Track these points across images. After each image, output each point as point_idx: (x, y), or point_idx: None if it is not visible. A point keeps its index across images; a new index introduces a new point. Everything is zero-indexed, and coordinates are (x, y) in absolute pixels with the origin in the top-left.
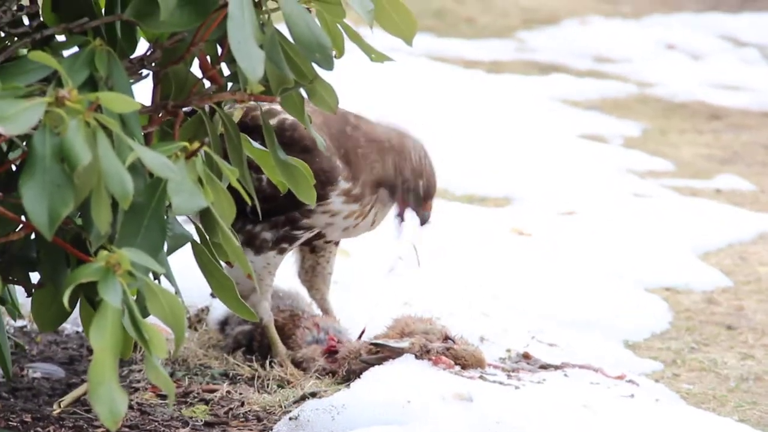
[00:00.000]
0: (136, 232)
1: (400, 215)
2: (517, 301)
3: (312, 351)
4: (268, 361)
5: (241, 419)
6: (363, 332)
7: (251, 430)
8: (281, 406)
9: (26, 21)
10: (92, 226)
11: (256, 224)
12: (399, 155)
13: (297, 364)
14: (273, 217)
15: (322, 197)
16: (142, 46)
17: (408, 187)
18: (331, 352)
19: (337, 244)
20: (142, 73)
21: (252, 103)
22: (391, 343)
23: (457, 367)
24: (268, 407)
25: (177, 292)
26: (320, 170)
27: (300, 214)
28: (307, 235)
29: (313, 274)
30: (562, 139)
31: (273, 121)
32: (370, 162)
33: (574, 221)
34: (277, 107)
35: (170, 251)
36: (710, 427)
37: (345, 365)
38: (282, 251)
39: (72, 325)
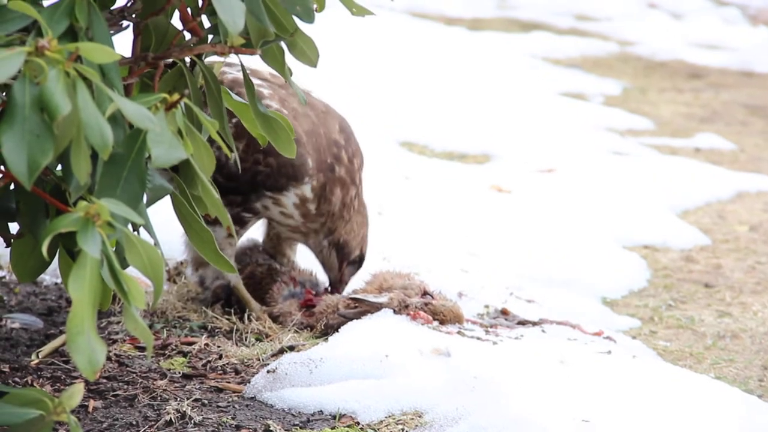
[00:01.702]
0: (115, 183)
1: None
2: (495, 257)
3: (289, 305)
4: (246, 315)
5: (219, 372)
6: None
7: (229, 382)
8: (259, 359)
9: None
10: (72, 177)
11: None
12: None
13: (274, 318)
14: (231, 196)
15: (281, 188)
16: None
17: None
18: (308, 306)
19: None
20: (122, 24)
21: (238, 74)
22: (370, 297)
23: (436, 323)
24: (245, 360)
25: (156, 243)
26: (289, 163)
27: (255, 197)
28: (254, 221)
29: (278, 242)
30: (542, 96)
31: None
32: (352, 228)
33: (553, 179)
34: (264, 92)
35: (150, 203)
36: (687, 384)
37: (323, 320)
38: (230, 235)
39: (51, 276)
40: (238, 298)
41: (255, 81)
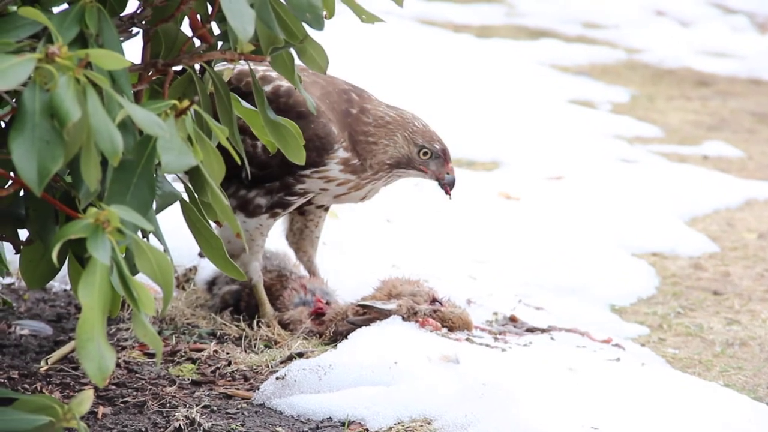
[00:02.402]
0: (125, 189)
1: (438, 180)
2: (504, 264)
3: (299, 313)
4: (255, 321)
5: (228, 378)
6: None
7: (238, 389)
8: (268, 366)
9: None
10: (81, 183)
11: (250, 190)
12: (404, 129)
13: (284, 325)
14: (267, 183)
15: (318, 164)
16: (133, 4)
17: (427, 151)
18: (318, 315)
19: (327, 209)
20: (132, 30)
21: (244, 66)
22: (379, 304)
23: (444, 330)
24: (254, 367)
25: (166, 250)
26: (315, 136)
27: (294, 180)
28: (301, 200)
29: (300, 237)
30: (550, 104)
31: (268, 88)
32: (382, 146)
33: (561, 186)
34: (272, 74)
35: (159, 209)
36: (695, 391)
37: (332, 327)
38: (275, 215)
39: (60, 282)
40: (250, 301)
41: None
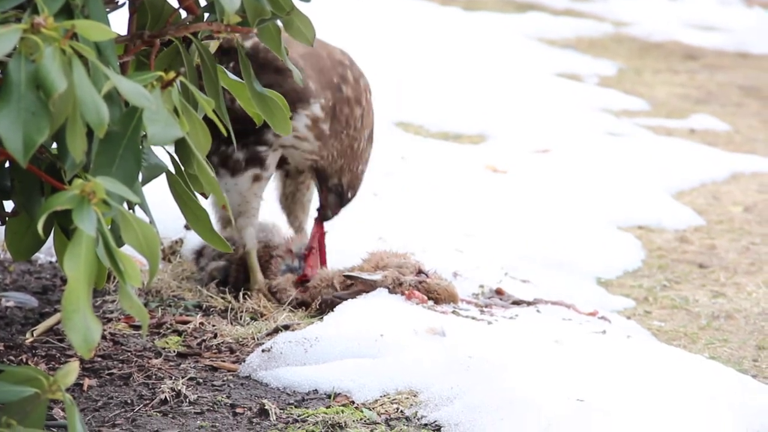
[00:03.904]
0: (111, 161)
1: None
2: (490, 237)
3: (286, 280)
4: (241, 294)
5: (213, 351)
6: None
7: (224, 361)
8: (254, 338)
9: None
10: (67, 155)
11: (229, 144)
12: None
13: (272, 293)
14: (244, 138)
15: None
16: None
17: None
18: (302, 282)
19: None
20: (118, 2)
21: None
22: (364, 275)
23: (430, 302)
24: (240, 339)
25: (152, 222)
26: (292, 90)
27: (266, 126)
28: (273, 155)
29: (292, 201)
30: (537, 77)
31: (248, 43)
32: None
33: (548, 159)
34: None
35: (145, 181)
36: (681, 364)
37: (317, 295)
38: (257, 179)
39: (45, 254)
40: (238, 276)
41: None
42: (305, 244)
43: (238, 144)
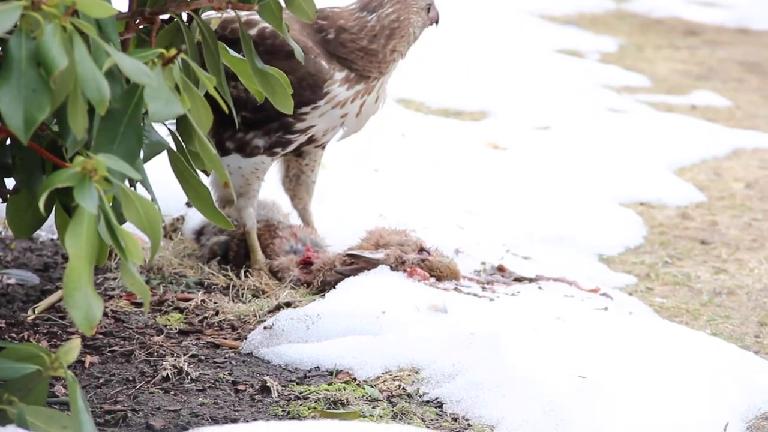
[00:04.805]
0: (112, 138)
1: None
2: (492, 214)
3: (288, 261)
4: (243, 271)
5: (215, 328)
6: None
7: (226, 338)
8: (256, 316)
9: None
10: (68, 132)
11: (247, 132)
12: (410, 8)
13: (273, 272)
14: (265, 126)
15: (314, 100)
16: None
17: (429, 6)
18: (306, 264)
19: (324, 147)
20: None
21: (231, 13)
22: (366, 254)
23: (432, 279)
24: (242, 316)
25: (153, 199)
26: (307, 74)
27: (294, 119)
28: (302, 138)
29: (297, 183)
30: (538, 53)
31: (253, 31)
32: (399, 40)
33: (549, 136)
34: (256, 17)
35: (146, 158)
36: (683, 340)
37: (320, 276)
38: (273, 155)
39: (47, 232)
40: (239, 251)
41: None
42: (311, 238)
43: (259, 131)
